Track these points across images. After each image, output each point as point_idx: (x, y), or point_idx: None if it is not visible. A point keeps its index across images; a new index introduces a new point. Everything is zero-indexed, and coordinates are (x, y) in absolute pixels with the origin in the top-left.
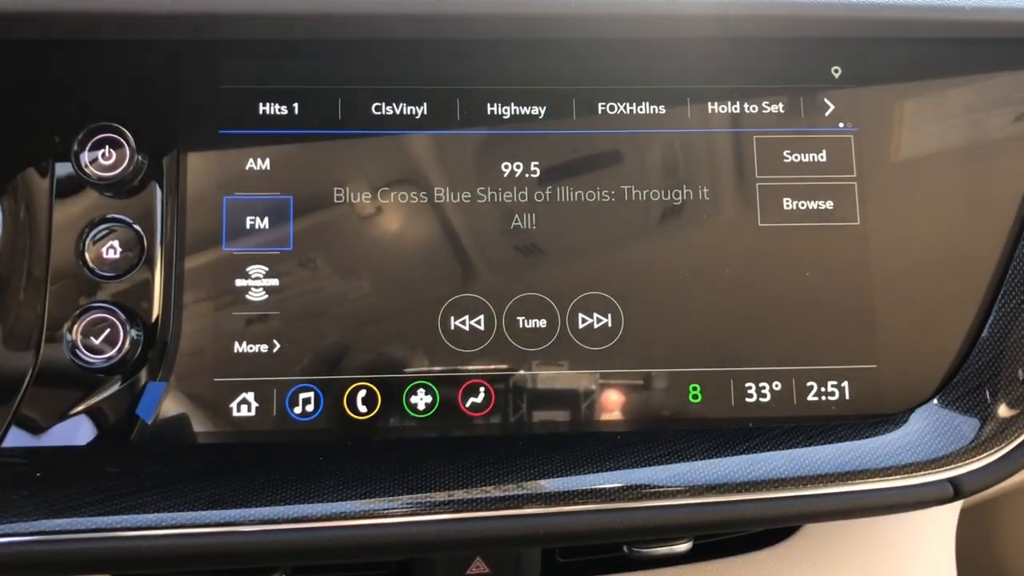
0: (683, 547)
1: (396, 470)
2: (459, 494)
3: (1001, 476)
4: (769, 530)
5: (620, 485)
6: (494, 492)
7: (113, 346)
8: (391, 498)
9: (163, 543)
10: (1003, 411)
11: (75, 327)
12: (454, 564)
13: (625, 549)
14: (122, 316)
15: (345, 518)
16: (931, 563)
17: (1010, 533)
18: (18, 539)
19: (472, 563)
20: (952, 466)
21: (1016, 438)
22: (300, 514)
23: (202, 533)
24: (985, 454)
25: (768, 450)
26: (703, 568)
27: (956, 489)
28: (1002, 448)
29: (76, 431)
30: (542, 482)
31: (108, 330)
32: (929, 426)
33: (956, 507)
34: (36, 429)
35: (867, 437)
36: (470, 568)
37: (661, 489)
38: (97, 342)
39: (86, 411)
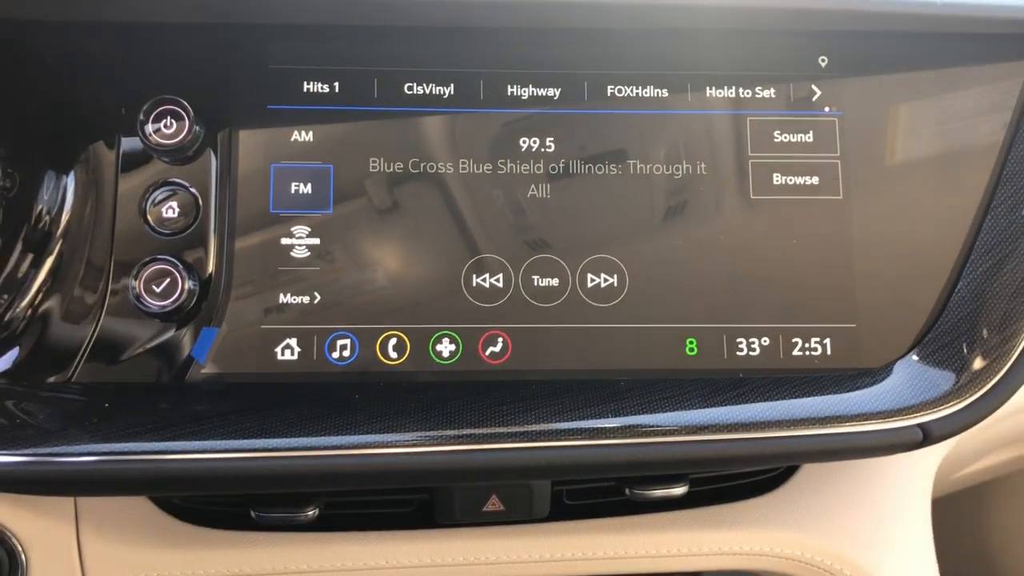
0: (679, 490)
1: (422, 408)
2: (478, 429)
3: (966, 423)
4: (758, 481)
5: (622, 424)
6: (509, 428)
7: (172, 295)
8: (417, 432)
9: (214, 466)
10: (968, 366)
11: (138, 277)
12: (472, 502)
13: (627, 492)
14: (180, 268)
15: (375, 446)
16: (908, 520)
17: (999, 526)
18: (91, 459)
19: (488, 500)
20: (922, 414)
21: (979, 390)
22: (335, 443)
23: (247, 458)
24: (951, 403)
25: (756, 397)
26: (697, 513)
27: (925, 434)
28: (966, 399)
29: (138, 369)
30: (552, 420)
31: (167, 280)
32: (902, 379)
33: (932, 472)
34: (103, 367)
35: (846, 388)
36: (486, 506)
37: (659, 428)
38: (158, 291)
39: (147, 352)
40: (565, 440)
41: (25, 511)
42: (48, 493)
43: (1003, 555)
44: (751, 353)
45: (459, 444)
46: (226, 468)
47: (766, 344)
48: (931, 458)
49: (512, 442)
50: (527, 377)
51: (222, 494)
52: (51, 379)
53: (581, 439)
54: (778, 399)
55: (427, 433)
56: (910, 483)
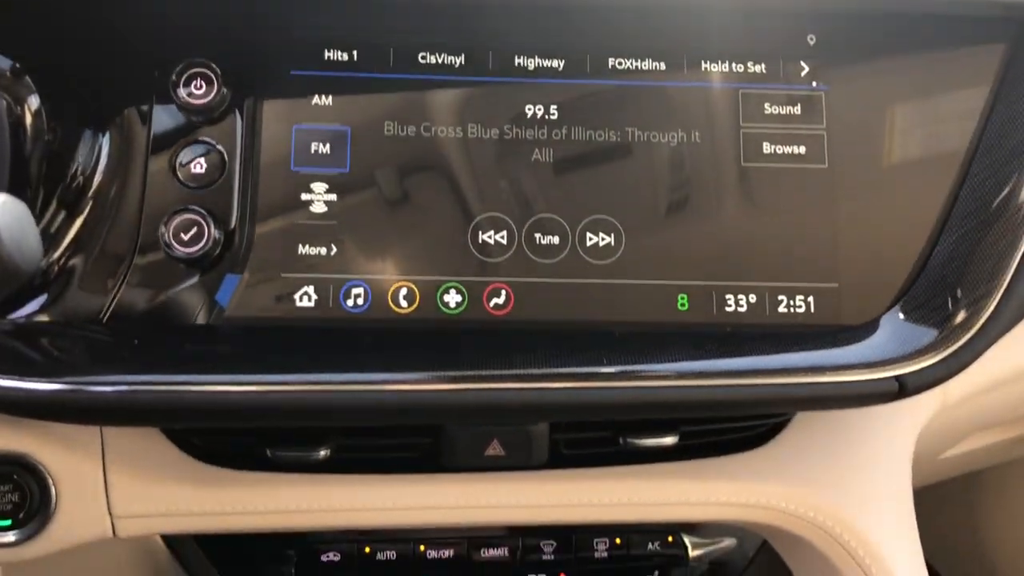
0: (669, 440)
1: (429, 351)
2: (481, 370)
3: (939, 376)
4: (746, 437)
5: (616, 370)
6: (510, 371)
7: (199, 242)
8: (425, 371)
9: (233, 398)
10: (944, 323)
11: (168, 225)
12: (474, 446)
13: (620, 442)
14: (207, 218)
15: (385, 383)
16: (889, 479)
17: (992, 515)
18: (119, 388)
19: (489, 445)
20: (898, 366)
21: (953, 345)
22: (348, 379)
23: (265, 391)
24: (926, 357)
25: (741, 349)
26: (688, 465)
27: (901, 386)
28: (940, 353)
29: (165, 312)
30: (550, 365)
31: (195, 229)
32: (880, 335)
33: (913, 437)
34: (132, 309)
35: (827, 342)
36: (488, 450)
37: (650, 373)
38: (186, 238)
39: (174, 296)
40: (562, 382)
41: (55, 447)
42: (78, 421)
43: (998, 553)
44: (739, 309)
45: (463, 383)
46: (245, 400)
47: (753, 301)
48: (912, 422)
49: (512, 383)
50: (528, 327)
51: (240, 431)
52: (83, 320)
53: (577, 381)
54: (762, 351)
55: (434, 373)
56: (892, 445)
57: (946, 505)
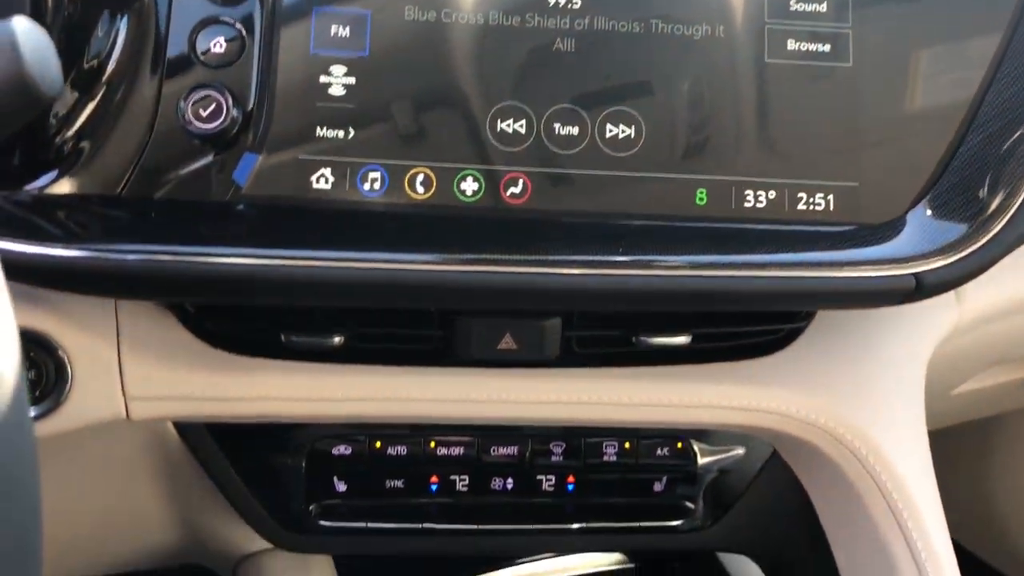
0: (682, 340)
1: (445, 235)
2: (496, 255)
3: (955, 276)
4: (760, 343)
5: (631, 259)
6: (524, 256)
7: (217, 118)
8: (439, 253)
9: (248, 270)
10: (963, 224)
11: (187, 101)
12: (488, 338)
13: (633, 340)
14: (227, 96)
15: (398, 263)
16: (903, 393)
17: (1003, 478)
18: (136, 257)
19: (502, 339)
20: (915, 264)
21: (971, 246)
22: (362, 256)
23: (280, 265)
24: (944, 256)
25: (758, 243)
26: (699, 369)
27: (918, 283)
28: (958, 253)
29: (182, 188)
30: (566, 253)
31: (213, 105)
32: (900, 234)
33: (927, 354)
34: (151, 183)
35: (846, 240)
36: (500, 343)
37: (665, 263)
38: (204, 114)
39: (191, 173)
40: (576, 268)
41: (72, 327)
42: (95, 291)
43: (1008, 510)
44: (757, 205)
45: (478, 265)
46: (261, 272)
47: (772, 197)
48: (926, 337)
49: (527, 267)
50: (544, 217)
51: (255, 315)
52: (100, 194)
53: (591, 268)
54: (779, 246)
55: (449, 255)
56: (907, 361)
57: (956, 468)
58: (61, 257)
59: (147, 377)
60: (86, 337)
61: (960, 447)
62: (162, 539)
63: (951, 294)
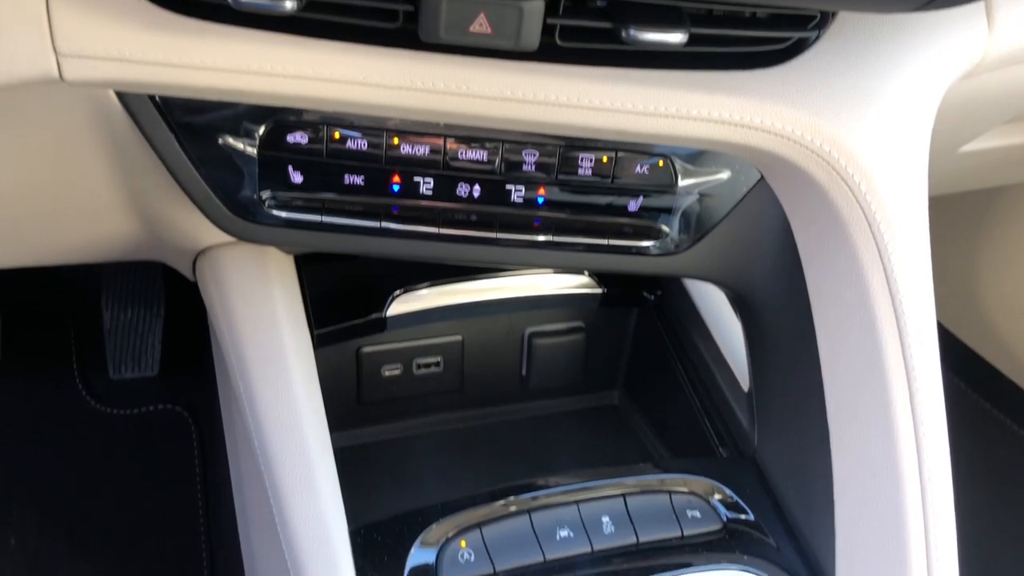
0: (677, 36)
1: None
2: None
3: None
4: (764, 53)
5: None
6: None
7: None
8: None
9: None
10: None
11: None
12: (459, 19)
13: (622, 35)
14: None
15: None
16: (911, 125)
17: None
18: None
19: (476, 20)
20: None
21: None
22: None
23: None
24: None
25: None
26: (693, 75)
27: None
28: None
29: None
30: None
31: None
32: None
33: (941, 91)
34: None
35: None
36: (473, 25)
37: None
38: None
39: None
40: None
41: None
42: None
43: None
44: None
45: None
46: None
47: None
48: (949, 67)
49: None
50: None
51: None
52: None
53: None
54: None
55: None
56: (923, 89)
57: (945, 241)
58: None
59: (80, 31)
60: None
61: (953, 222)
62: (118, 229)
63: (983, 19)
